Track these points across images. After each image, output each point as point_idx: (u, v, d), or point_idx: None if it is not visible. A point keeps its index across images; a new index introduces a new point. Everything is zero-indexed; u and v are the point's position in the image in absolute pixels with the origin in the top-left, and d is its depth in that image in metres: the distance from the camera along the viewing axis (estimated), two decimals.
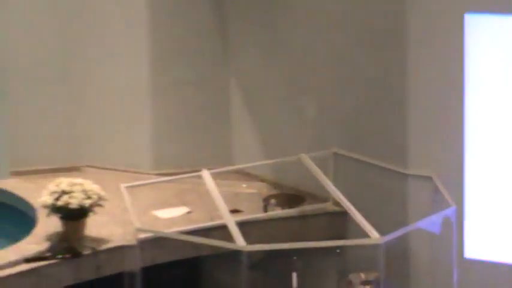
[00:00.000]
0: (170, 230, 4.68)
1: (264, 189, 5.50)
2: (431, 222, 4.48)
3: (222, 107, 6.05)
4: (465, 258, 4.74)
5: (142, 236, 4.49)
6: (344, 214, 4.72)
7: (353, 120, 5.23)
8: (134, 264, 4.55)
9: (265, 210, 5.11)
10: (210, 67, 5.98)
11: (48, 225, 4.79)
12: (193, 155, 5.80)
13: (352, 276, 4.61)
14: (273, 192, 5.38)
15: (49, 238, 4.77)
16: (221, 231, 4.46)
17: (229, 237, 4.22)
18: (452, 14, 4.75)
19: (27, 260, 4.45)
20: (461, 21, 4.72)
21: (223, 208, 4.41)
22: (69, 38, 5.94)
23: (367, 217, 4.38)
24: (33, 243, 4.68)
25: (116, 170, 5.89)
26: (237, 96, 6.05)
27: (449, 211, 4.49)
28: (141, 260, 4.54)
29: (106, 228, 4.78)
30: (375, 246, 4.22)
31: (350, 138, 5.21)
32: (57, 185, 4.53)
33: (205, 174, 4.54)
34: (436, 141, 4.90)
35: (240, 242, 4.02)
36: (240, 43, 5.92)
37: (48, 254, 4.53)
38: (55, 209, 4.50)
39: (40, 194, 4.72)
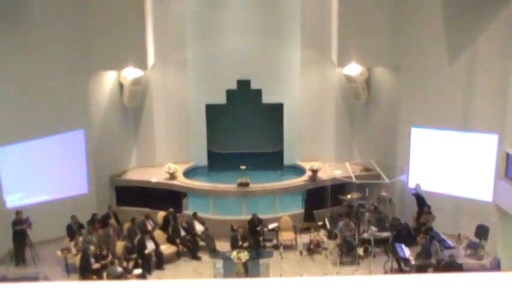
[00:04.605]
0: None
1: (361, 168, 16.65)
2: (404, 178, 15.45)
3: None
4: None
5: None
6: (380, 176, 15.47)
7: None
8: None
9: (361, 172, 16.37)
10: None
11: None
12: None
13: (382, 190, 15.74)
14: (363, 168, 16.58)
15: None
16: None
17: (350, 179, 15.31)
18: None
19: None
20: None
21: (351, 172, 15.54)
22: None
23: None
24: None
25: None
26: None
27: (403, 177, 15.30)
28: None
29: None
30: (386, 183, 15.23)
31: None
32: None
33: (347, 164, 16.00)
34: None
35: (353, 179, 15.08)
36: None
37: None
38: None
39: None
